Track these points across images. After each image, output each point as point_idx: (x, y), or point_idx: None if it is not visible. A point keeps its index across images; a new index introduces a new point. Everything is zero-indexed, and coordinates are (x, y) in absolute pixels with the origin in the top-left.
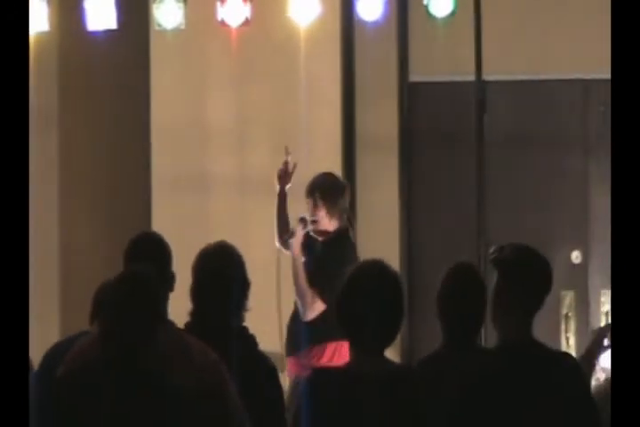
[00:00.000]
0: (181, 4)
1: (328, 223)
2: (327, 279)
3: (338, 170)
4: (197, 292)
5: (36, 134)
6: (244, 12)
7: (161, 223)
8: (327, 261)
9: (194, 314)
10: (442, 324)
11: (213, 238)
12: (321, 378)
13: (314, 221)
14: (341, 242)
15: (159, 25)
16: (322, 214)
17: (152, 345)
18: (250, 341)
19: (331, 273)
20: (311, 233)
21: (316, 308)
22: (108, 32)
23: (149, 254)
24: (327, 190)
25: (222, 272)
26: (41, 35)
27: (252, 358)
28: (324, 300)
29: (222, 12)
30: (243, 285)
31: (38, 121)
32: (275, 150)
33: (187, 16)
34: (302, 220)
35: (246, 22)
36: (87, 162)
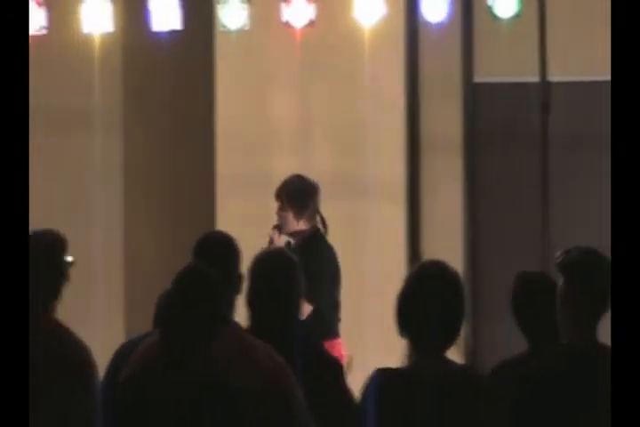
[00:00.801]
0: (246, 5)
1: (297, 225)
2: (309, 280)
3: (401, 171)
4: (252, 296)
5: (100, 135)
6: (309, 12)
7: (225, 224)
8: (305, 262)
9: (253, 318)
10: (522, 331)
11: None
12: (382, 378)
13: (278, 226)
14: (314, 243)
15: (223, 26)
16: (289, 217)
17: (212, 346)
18: (312, 340)
19: (311, 274)
20: (288, 238)
21: (304, 311)
22: (173, 33)
23: (216, 254)
24: (293, 193)
25: (275, 276)
26: (106, 35)
27: (316, 360)
28: (308, 300)
29: (287, 13)
30: (297, 289)
31: (102, 122)
32: (338, 151)
33: (251, 17)
34: (277, 227)
35: (310, 23)
36: (152, 163)
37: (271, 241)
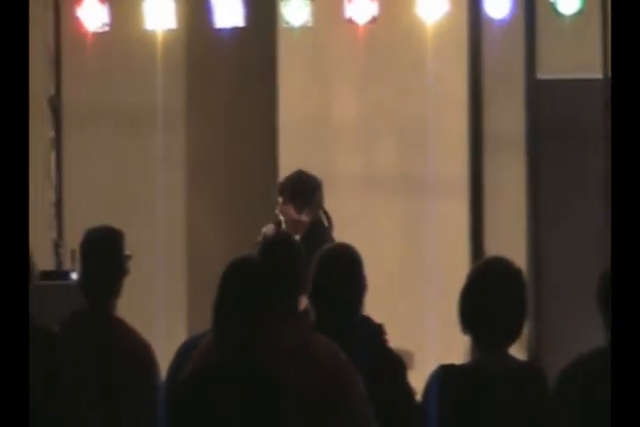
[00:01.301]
0: (308, 2)
1: (299, 219)
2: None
3: (464, 168)
4: (317, 291)
5: (162, 132)
6: (371, 9)
7: None
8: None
9: (317, 314)
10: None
11: (341, 236)
12: (444, 374)
13: (278, 223)
14: (315, 234)
15: (286, 22)
16: (291, 211)
17: (267, 345)
18: (376, 337)
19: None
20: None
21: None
22: (236, 29)
23: (282, 253)
24: (295, 188)
25: (338, 273)
26: (168, 32)
27: (380, 357)
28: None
29: (349, 10)
30: (360, 285)
31: (165, 119)
32: (401, 148)
33: (314, 13)
34: (277, 223)
35: (373, 20)
36: (214, 161)
37: (265, 237)
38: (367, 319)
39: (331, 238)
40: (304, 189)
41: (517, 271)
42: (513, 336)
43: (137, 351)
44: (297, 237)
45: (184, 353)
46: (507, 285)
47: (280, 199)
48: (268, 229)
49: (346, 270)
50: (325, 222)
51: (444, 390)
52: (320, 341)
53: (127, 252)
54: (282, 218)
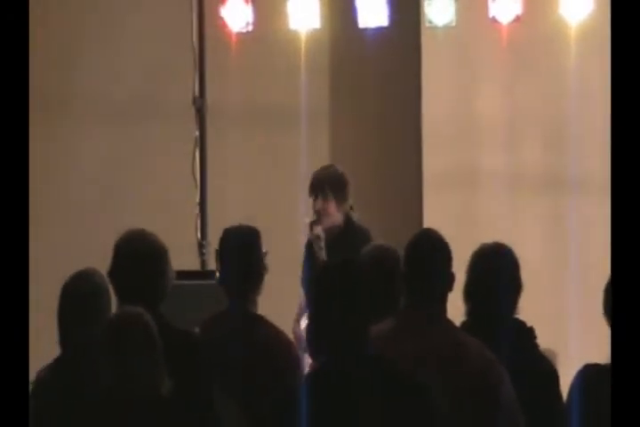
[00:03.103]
0: (452, 1)
1: (338, 217)
2: None
3: (607, 168)
4: (472, 291)
5: (306, 133)
6: (515, 8)
7: (432, 221)
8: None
9: (470, 313)
10: None
11: (484, 236)
12: (590, 374)
13: (314, 222)
14: (350, 232)
15: (430, 22)
16: (332, 208)
17: (408, 346)
18: (527, 341)
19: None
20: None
21: None
22: (379, 29)
23: (428, 253)
24: (336, 183)
25: (496, 273)
26: (312, 32)
27: (529, 361)
28: None
29: (493, 9)
30: (517, 287)
31: (309, 119)
32: (545, 147)
33: (458, 13)
34: (314, 223)
35: (517, 19)
36: (358, 161)
37: (318, 237)
38: (519, 322)
39: (365, 233)
40: (344, 184)
41: None
42: None
43: (280, 351)
44: (332, 237)
45: None
46: None
47: (315, 194)
48: (317, 229)
49: (504, 271)
50: (353, 215)
51: (589, 390)
52: (469, 342)
53: (263, 249)
54: (316, 213)
